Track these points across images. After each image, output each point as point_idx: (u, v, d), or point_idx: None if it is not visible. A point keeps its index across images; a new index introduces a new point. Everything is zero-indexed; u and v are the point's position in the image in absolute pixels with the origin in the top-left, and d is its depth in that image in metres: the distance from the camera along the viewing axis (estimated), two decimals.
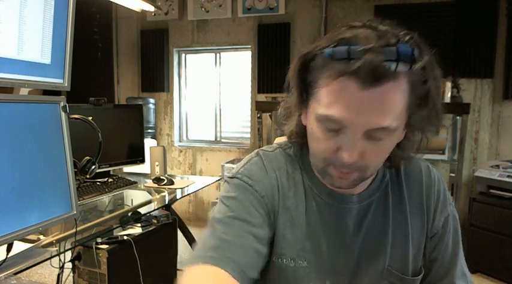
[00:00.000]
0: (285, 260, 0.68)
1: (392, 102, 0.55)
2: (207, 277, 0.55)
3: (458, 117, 3.07)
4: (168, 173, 2.51)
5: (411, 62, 0.54)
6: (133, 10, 2.73)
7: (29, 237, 1.20)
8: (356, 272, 0.71)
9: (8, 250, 1.08)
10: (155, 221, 2.02)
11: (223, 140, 4.18)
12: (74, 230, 1.31)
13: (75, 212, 1.20)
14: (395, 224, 0.71)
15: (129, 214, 1.84)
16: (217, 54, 4.09)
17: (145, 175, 2.49)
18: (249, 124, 3.95)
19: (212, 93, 4.14)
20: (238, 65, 4.01)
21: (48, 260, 1.27)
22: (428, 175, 0.75)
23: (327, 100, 0.57)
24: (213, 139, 4.20)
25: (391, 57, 0.52)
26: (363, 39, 0.54)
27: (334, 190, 0.70)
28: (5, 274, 1.08)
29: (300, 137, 0.71)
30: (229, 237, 0.61)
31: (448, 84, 2.94)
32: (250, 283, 0.60)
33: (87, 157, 1.55)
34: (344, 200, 0.70)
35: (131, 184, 2.15)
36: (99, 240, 1.76)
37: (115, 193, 1.99)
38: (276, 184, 0.70)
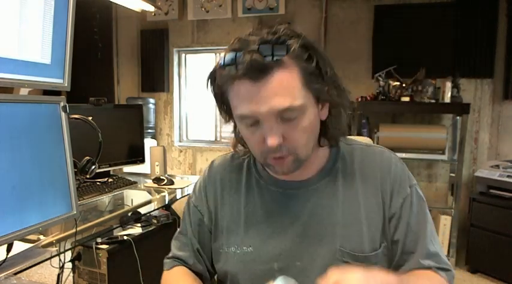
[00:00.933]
0: (232, 248, 0.80)
1: (285, 84, 0.64)
2: (173, 272, 0.88)
3: (458, 117, 3.07)
4: (168, 173, 2.50)
5: (286, 49, 0.64)
6: (133, 10, 2.73)
7: (29, 237, 1.20)
8: (307, 254, 0.75)
9: (8, 250, 1.08)
10: (155, 221, 2.02)
11: (223, 140, 4.18)
12: (74, 230, 1.30)
13: (75, 212, 1.20)
14: (345, 207, 0.76)
15: (129, 214, 1.84)
16: (217, 54, 4.09)
17: (145, 175, 2.48)
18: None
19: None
20: None
21: (48, 260, 1.27)
22: (383, 160, 0.79)
23: (236, 103, 0.68)
24: (213, 139, 4.20)
25: (266, 51, 0.63)
26: (245, 44, 0.65)
27: (281, 179, 0.79)
28: (5, 274, 1.08)
29: (242, 144, 0.82)
30: (179, 252, 0.90)
31: (448, 84, 2.94)
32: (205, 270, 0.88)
33: (87, 157, 1.55)
34: (289, 186, 0.79)
35: (131, 184, 2.15)
36: (99, 240, 1.76)
37: (115, 193, 1.99)
38: (214, 188, 0.86)
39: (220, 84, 0.70)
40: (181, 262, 0.89)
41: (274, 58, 0.63)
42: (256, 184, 0.83)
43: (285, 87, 0.64)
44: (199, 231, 0.87)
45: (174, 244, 0.92)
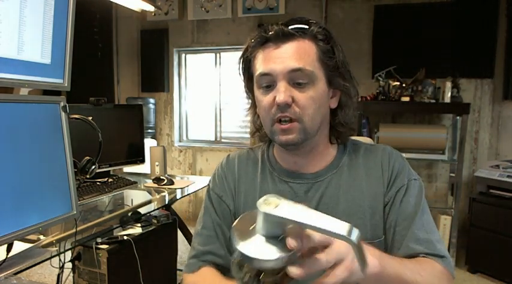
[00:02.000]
0: None
1: (301, 51, 0.76)
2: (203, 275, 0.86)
3: (458, 117, 3.07)
4: (168, 173, 2.50)
5: (307, 26, 0.77)
6: (134, 10, 2.73)
7: (29, 237, 1.20)
8: None
9: (8, 250, 1.08)
10: (155, 221, 2.02)
11: (223, 140, 4.18)
12: (74, 230, 1.30)
13: (75, 212, 1.20)
14: (349, 197, 0.82)
15: (129, 214, 1.84)
16: (217, 54, 4.09)
17: (145, 175, 2.48)
18: (249, 124, 3.95)
19: (212, 93, 4.14)
20: None
21: (48, 260, 1.27)
22: (384, 154, 0.86)
23: (258, 65, 0.79)
24: (213, 139, 4.20)
25: (291, 25, 0.77)
26: (275, 22, 0.79)
27: (292, 171, 0.86)
28: (5, 274, 1.08)
29: (258, 130, 0.91)
30: (205, 246, 0.88)
31: (448, 84, 2.93)
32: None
33: (87, 157, 1.55)
34: (299, 177, 0.85)
35: (131, 184, 2.15)
36: (99, 240, 1.76)
37: (115, 193, 1.99)
38: (233, 178, 0.91)
39: (248, 54, 0.81)
40: (211, 256, 0.87)
41: (297, 30, 0.76)
42: (270, 175, 0.88)
43: (301, 53, 0.76)
44: (225, 218, 0.89)
45: (196, 241, 0.90)
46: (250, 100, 0.90)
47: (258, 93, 0.81)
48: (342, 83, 0.81)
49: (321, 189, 0.83)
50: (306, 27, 0.77)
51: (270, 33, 0.77)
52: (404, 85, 3.02)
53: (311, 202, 0.82)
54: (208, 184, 0.95)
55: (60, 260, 1.37)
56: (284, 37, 0.76)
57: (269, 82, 0.77)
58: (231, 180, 0.91)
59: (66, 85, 1.16)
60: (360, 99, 3.15)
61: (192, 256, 0.89)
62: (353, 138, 0.92)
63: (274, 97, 0.75)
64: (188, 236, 2.60)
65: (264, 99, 0.78)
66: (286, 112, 0.75)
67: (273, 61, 0.76)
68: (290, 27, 0.76)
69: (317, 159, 0.85)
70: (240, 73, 0.87)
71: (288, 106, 0.75)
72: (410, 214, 0.79)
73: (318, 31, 0.78)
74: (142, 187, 2.25)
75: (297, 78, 0.75)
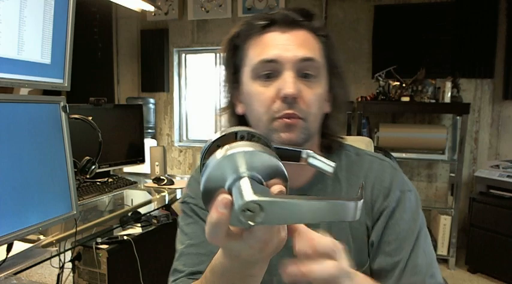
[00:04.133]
0: None
1: (309, 41, 0.69)
2: None
3: (458, 117, 3.07)
4: (168, 173, 2.50)
5: (311, 17, 0.70)
6: (134, 10, 2.73)
7: (29, 237, 1.20)
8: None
9: (8, 250, 1.08)
10: (155, 221, 2.02)
11: None
12: (74, 230, 1.31)
13: (75, 212, 1.20)
14: None
15: (129, 214, 1.84)
16: (217, 54, 4.09)
17: (145, 175, 2.48)
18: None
19: (212, 93, 4.14)
20: None
21: (48, 260, 1.27)
22: (371, 167, 0.74)
23: (258, 51, 0.68)
24: None
25: (297, 12, 0.69)
26: (276, 10, 0.72)
27: None
28: (5, 274, 1.08)
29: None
30: (198, 266, 0.72)
31: (448, 84, 2.93)
32: None
33: (87, 157, 1.55)
34: None
35: (131, 184, 2.15)
36: (99, 240, 1.76)
37: (115, 193, 1.99)
38: None
39: (240, 41, 0.71)
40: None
41: (303, 20, 0.69)
42: None
43: (309, 43, 0.68)
44: None
45: (182, 263, 0.75)
46: (228, 97, 0.77)
47: (252, 84, 0.69)
48: (338, 86, 0.73)
49: None
50: (311, 18, 0.70)
51: (274, 20, 0.68)
52: (404, 85, 3.02)
53: None
54: (185, 201, 0.80)
55: (60, 260, 1.37)
56: (290, 23, 0.68)
57: (271, 71, 0.66)
58: None
59: (66, 85, 1.16)
60: (360, 99, 3.15)
61: (177, 279, 0.73)
62: (348, 143, 0.80)
63: (278, 91, 0.65)
64: None
65: (265, 92, 0.67)
66: (291, 108, 0.65)
67: (280, 47, 0.66)
68: (295, 15, 0.69)
69: (304, 169, 0.70)
70: (222, 63, 0.76)
71: (294, 101, 0.65)
72: (404, 232, 0.68)
73: (320, 27, 0.71)
74: (142, 187, 2.25)
75: (307, 69, 0.66)
